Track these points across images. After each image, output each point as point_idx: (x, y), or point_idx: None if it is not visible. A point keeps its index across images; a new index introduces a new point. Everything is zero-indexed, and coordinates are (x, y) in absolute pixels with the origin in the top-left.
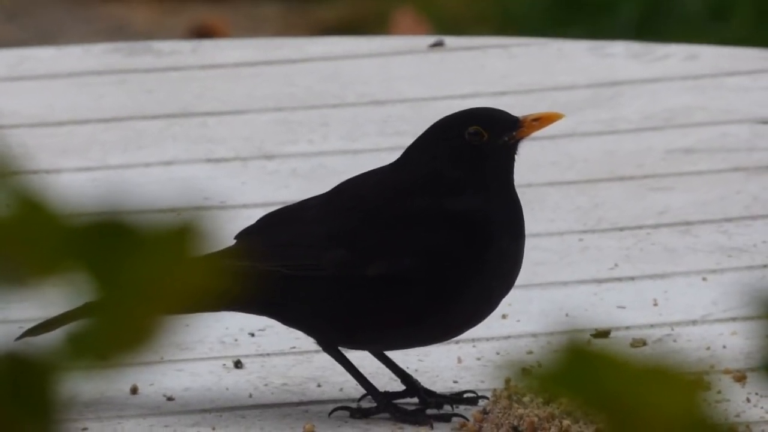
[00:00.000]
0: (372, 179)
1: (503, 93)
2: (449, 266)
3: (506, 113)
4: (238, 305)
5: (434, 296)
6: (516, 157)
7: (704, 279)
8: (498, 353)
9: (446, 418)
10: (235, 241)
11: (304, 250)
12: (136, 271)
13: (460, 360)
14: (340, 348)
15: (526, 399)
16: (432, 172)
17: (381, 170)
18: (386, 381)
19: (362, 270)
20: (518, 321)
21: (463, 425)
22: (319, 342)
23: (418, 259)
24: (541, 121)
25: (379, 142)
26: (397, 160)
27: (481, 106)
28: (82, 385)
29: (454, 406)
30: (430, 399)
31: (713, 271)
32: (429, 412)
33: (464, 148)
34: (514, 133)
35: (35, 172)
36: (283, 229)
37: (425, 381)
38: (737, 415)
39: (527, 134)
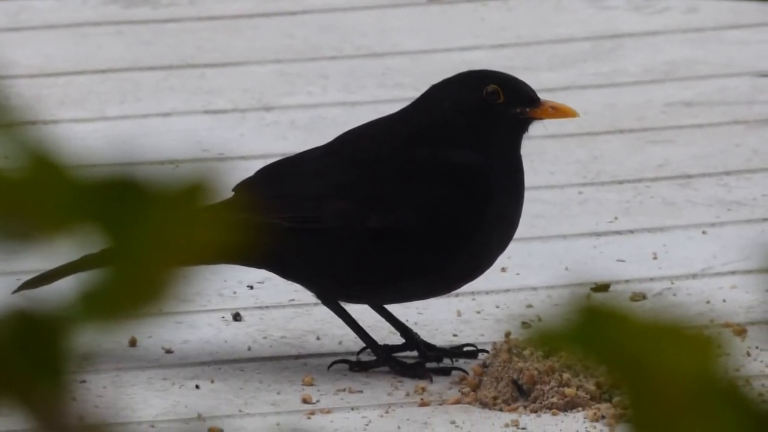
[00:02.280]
0: (373, 130)
1: (502, 46)
2: (449, 220)
3: (530, 89)
4: (238, 258)
5: (433, 249)
6: (525, 133)
7: (704, 232)
8: (498, 307)
9: (446, 372)
10: (233, 192)
11: (304, 203)
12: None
13: (459, 313)
14: (339, 301)
15: (526, 352)
16: (437, 121)
17: (383, 120)
18: (385, 334)
19: (363, 222)
20: (518, 274)
21: (462, 378)
22: (319, 295)
23: (418, 211)
24: (557, 111)
25: (377, 94)
26: (402, 109)
27: (510, 74)
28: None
29: (454, 359)
30: (429, 352)
31: (713, 225)
32: (428, 365)
33: (478, 102)
34: (527, 109)
35: (34, 122)
36: (282, 181)
37: (425, 334)
38: (737, 369)
39: (539, 116)
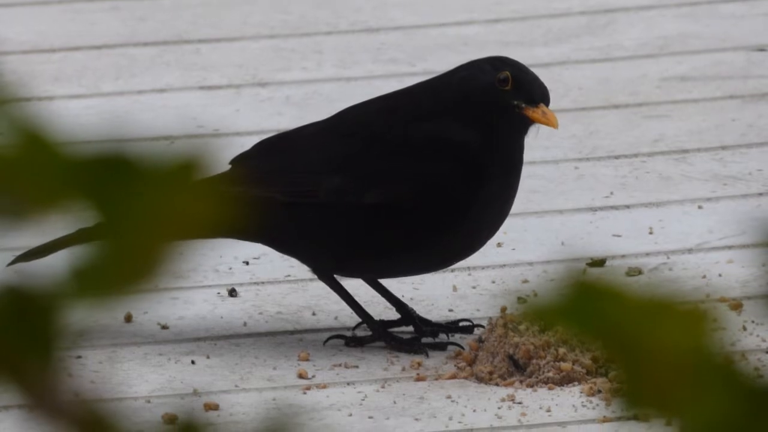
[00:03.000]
0: (376, 105)
1: (497, 20)
2: (444, 198)
3: (541, 90)
4: (234, 232)
5: (428, 226)
6: (526, 129)
7: (700, 207)
8: (493, 282)
9: (442, 347)
10: (230, 166)
11: (301, 177)
12: (136, 201)
13: (455, 288)
14: (335, 276)
15: (521, 327)
16: (447, 96)
17: (388, 96)
18: (381, 310)
19: (359, 197)
20: (513, 249)
21: (458, 354)
22: (314, 270)
23: (414, 188)
24: (544, 117)
25: (372, 70)
26: (411, 86)
27: (531, 71)
28: (81, 315)
29: (450, 334)
30: (425, 327)
31: (708, 199)
32: (424, 340)
33: (489, 84)
34: (524, 105)
35: (28, 99)
36: (280, 155)
37: (420, 309)
38: (733, 344)
39: (529, 116)
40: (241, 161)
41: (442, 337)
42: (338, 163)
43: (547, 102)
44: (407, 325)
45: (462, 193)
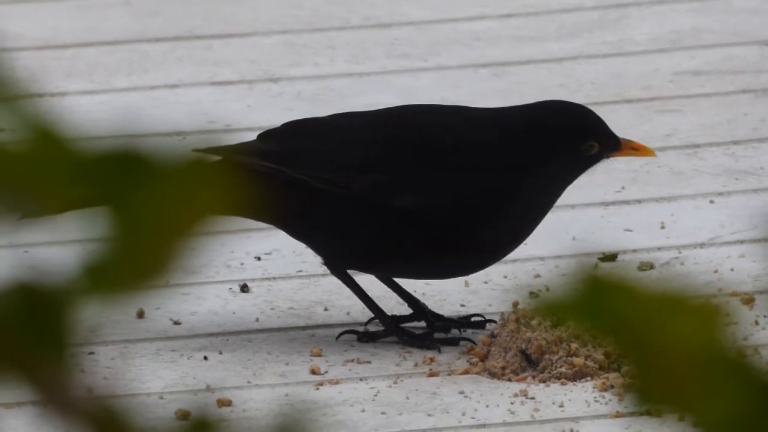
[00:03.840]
0: (432, 115)
1: (509, 15)
2: (477, 217)
3: (609, 130)
4: (253, 210)
5: (454, 239)
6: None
7: (711, 202)
8: (505, 277)
9: (454, 342)
10: (257, 138)
11: (336, 166)
12: (148, 196)
13: (467, 283)
14: (347, 271)
15: (534, 322)
16: (514, 148)
17: (449, 109)
18: (393, 305)
19: (390, 199)
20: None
21: (470, 349)
22: (327, 263)
23: (448, 202)
24: (639, 152)
25: (385, 65)
26: (475, 108)
27: (592, 115)
28: (93, 311)
29: (462, 330)
30: (437, 323)
31: (720, 194)
32: (437, 335)
33: (574, 158)
34: (614, 153)
35: (41, 95)
36: (317, 139)
37: (432, 305)
38: (745, 338)
39: (625, 155)
40: (271, 137)
41: (455, 332)
42: (378, 161)
43: (618, 138)
44: (419, 320)
45: (493, 215)
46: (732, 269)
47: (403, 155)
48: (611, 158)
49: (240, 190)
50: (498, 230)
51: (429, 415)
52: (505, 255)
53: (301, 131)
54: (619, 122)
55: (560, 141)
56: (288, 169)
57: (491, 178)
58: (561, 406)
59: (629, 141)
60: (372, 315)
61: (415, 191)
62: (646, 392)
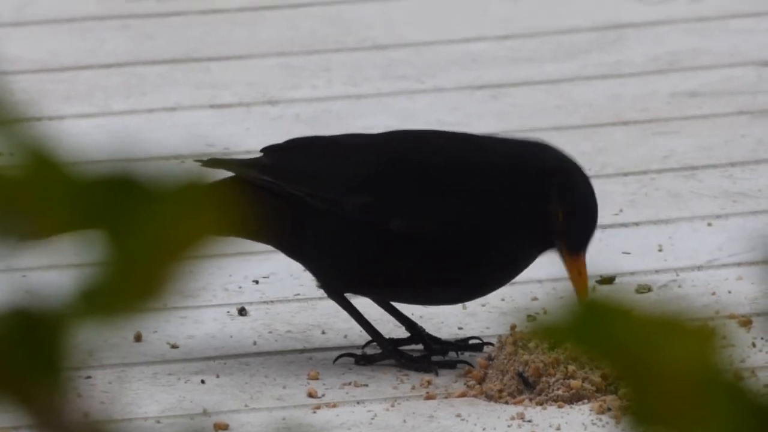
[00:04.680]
0: (435, 140)
1: (506, 37)
2: (469, 244)
3: (591, 233)
4: (251, 229)
5: (446, 264)
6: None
7: (709, 224)
8: (503, 299)
9: (451, 365)
10: (261, 153)
11: (333, 186)
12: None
13: (464, 306)
14: (344, 294)
15: (531, 345)
16: (498, 184)
17: (451, 136)
18: (391, 328)
19: (384, 222)
20: None
21: (468, 372)
22: (324, 286)
23: (442, 228)
24: (579, 279)
25: (381, 87)
26: (480, 138)
27: (588, 200)
28: (90, 334)
29: (459, 352)
30: (435, 345)
31: (718, 216)
32: (434, 358)
33: (543, 207)
34: (565, 248)
35: (38, 118)
36: (318, 157)
37: (430, 327)
38: (742, 360)
39: (565, 262)
40: (274, 152)
41: (452, 355)
42: (373, 183)
43: (590, 239)
44: (417, 343)
45: (486, 241)
46: (729, 292)
47: (397, 178)
48: (564, 256)
49: (237, 211)
50: (491, 258)
51: None
52: (500, 286)
53: (303, 148)
54: (616, 144)
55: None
56: (285, 184)
57: (484, 203)
58: (558, 428)
59: (581, 265)
60: (369, 338)
61: (408, 214)
62: (643, 415)
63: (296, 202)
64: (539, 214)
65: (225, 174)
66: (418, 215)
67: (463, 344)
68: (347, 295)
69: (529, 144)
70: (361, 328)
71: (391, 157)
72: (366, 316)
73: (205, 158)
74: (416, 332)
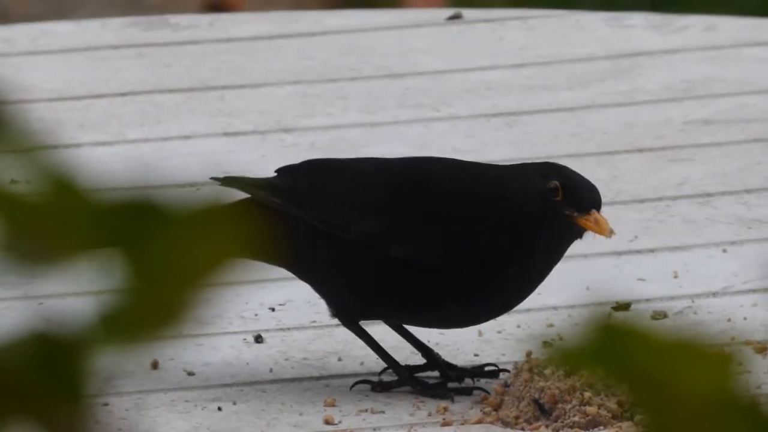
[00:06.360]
0: (442, 170)
1: (521, 65)
2: (472, 272)
3: (595, 194)
4: (266, 251)
5: (449, 292)
6: (580, 236)
7: (724, 251)
8: (519, 326)
9: (467, 392)
10: (276, 173)
11: (338, 209)
12: (162, 247)
13: (480, 333)
14: (359, 321)
15: (547, 372)
16: (498, 193)
17: (457, 166)
18: (407, 355)
19: (386, 247)
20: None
21: (484, 398)
22: (337, 315)
23: (444, 256)
24: (595, 225)
25: (397, 115)
26: (479, 164)
27: (581, 176)
28: (108, 361)
29: (475, 379)
30: (451, 372)
31: (733, 243)
32: (450, 385)
33: (539, 193)
34: (576, 214)
35: (54, 146)
36: (327, 180)
37: (446, 354)
38: (758, 387)
39: (580, 224)
40: (287, 173)
41: (468, 381)
42: (377, 209)
43: (598, 207)
44: (433, 369)
45: (485, 272)
46: (745, 318)
47: (401, 205)
48: (573, 221)
49: (254, 233)
50: (500, 280)
51: None
52: (520, 301)
53: (316, 170)
54: (631, 172)
55: (532, 175)
56: (293, 207)
57: (486, 233)
58: None
59: (596, 214)
60: (386, 365)
61: (408, 243)
62: None
63: (305, 226)
64: (543, 207)
65: (241, 195)
66: (419, 244)
67: (479, 371)
68: (362, 322)
69: (535, 163)
70: (377, 356)
71: (395, 183)
72: (382, 343)
73: (221, 177)
74: (432, 359)
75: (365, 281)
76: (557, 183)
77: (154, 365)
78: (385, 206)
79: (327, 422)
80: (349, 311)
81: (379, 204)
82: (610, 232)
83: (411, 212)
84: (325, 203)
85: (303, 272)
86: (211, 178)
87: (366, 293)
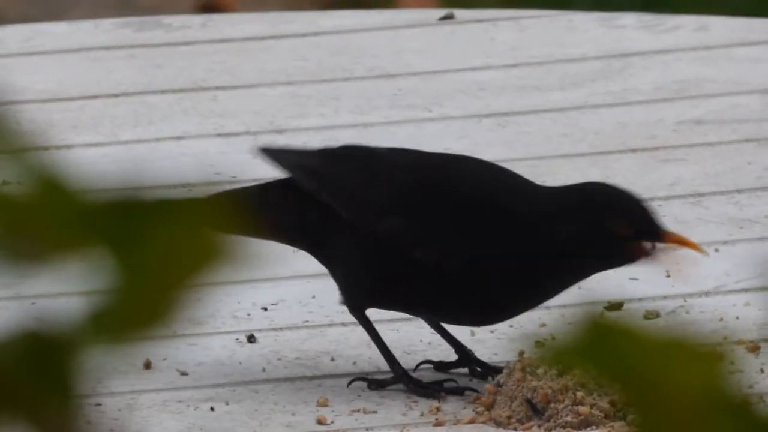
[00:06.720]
0: (475, 176)
1: (513, 65)
2: (496, 287)
3: (650, 216)
4: (291, 226)
5: (467, 300)
6: (618, 266)
7: (716, 250)
8: (511, 326)
9: (459, 391)
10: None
11: (367, 204)
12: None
13: (473, 333)
14: (365, 312)
15: (539, 371)
16: (547, 219)
17: (497, 174)
18: (398, 354)
19: (410, 247)
20: None
21: (476, 398)
22: (346, 303)
23: (462, 262)
24: (690, 244)
25: (389, 116)
26: (525, 181)
27: (629, 197)
28: (99, 361)
29: (470, 378)
30: (478, 369)
31: (725, 243)
32: (447, 385)
33: (605, 237)
34: (655, 245)
35: (46, 147)
36: (364, 174)
37: (438, 353)
38: (750, 387)
39: (671, 259)
40: (325, 157)
41: (462, 381)
42: (404, 207)
43: (661, 222)
44: (464, 366)
45: (501, 285)
46: (737, 317)
47: (432, 208)
48: (653, 249)
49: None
50: (507, 299)
51: None
52: (530, 309)
53: (352, 158)
54: (623, 172)
55: (588, 217)
56: (325, 193)
57: (510, 246)
58: None
59: (674, 234)
60: (377, 365)
61: (432, 246)
62: None
63: (333, 213)
64: (595, 240)
65: (239, 185)
66: (444, 250)
67: (494, 367)
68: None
69: (576, 185)
70: (369, 356)
71: (425, 183)
72: (386, 343)
73: (260, 146)
74: (464, 355)
75: (382, 276)
76: (625, 223)
77: (147, 365)
78: (415, 207)
79: (319, 422)
80: (358, 300)
81: (410, 204)
82: (700, 250)
83: (440, 217)
84: (357, 196)
85: (321, 255)
86: (261, 149)
87: (381, 287)
